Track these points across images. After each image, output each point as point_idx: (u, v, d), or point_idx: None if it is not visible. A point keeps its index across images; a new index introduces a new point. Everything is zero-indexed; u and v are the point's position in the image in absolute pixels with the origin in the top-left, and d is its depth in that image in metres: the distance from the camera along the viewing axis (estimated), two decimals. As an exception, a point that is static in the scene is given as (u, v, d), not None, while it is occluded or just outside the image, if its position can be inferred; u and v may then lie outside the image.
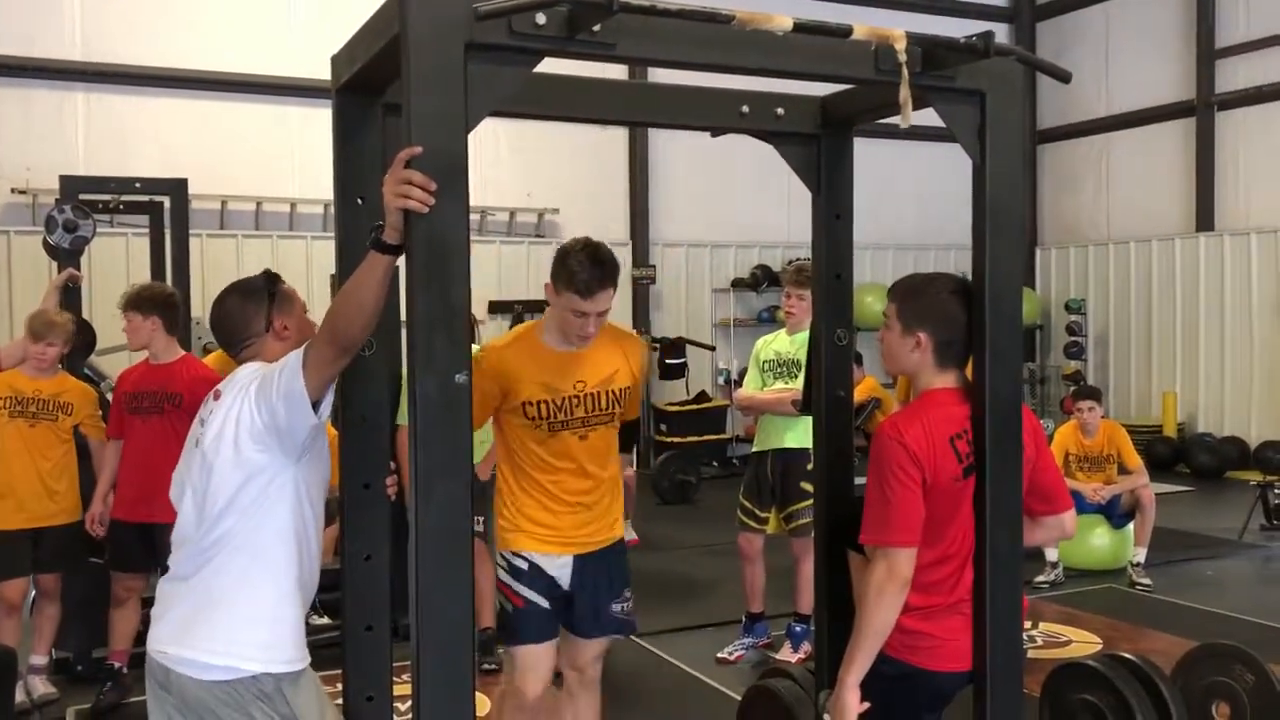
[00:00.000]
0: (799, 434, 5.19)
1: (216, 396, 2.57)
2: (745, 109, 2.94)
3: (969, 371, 2.67)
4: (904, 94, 2.29)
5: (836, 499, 3.14)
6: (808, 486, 5.08)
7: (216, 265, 10.11)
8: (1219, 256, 12.79)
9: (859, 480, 2.90)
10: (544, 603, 3.34)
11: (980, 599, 2.61)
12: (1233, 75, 12.81)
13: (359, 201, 2.63)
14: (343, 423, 2.66)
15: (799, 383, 5.10)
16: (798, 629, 5.26)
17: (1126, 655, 4.07)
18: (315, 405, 2.37)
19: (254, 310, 2.66)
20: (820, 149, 3.05)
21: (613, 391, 3.34)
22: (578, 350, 3.30)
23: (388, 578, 2.67)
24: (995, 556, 2.59)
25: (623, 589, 3.50)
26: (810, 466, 5.03)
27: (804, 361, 5.09)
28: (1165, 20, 13.39)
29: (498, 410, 3.34)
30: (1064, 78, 2.50)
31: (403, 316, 2.21)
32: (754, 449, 5.50)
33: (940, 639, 2.62)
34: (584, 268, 3.14)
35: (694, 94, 2.93)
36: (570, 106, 2.77)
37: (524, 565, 3.34)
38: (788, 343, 5.38)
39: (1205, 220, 12.98)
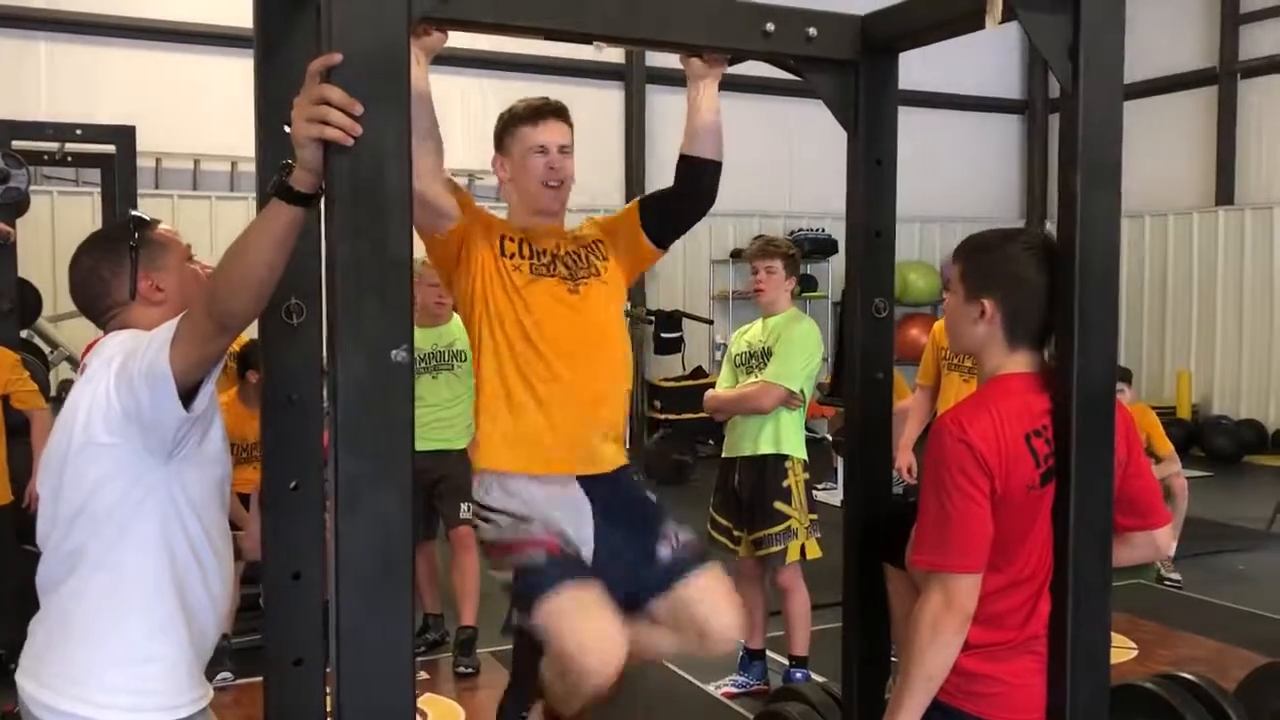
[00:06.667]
0: (772, 436, 4.47)
1: (82, 370, 2.05)
2: (770, 27, 2.39)
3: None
4: (993, -14, 1.77)
5: (870, 498, 2.64)
6: (782, 507, 4.43)
7: (190, 228, 9.50)
8: (1239, 231, 12.29)
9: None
10: (574, 550, 2.56)
11: (1059, 635, 2.11)
12: (1257, 42, 12.27)
13: (287, 129, 2.09)
14: (265, 405, 2.13)
15: (769, 373, 4.43)
16: (797, 675, 4.54)
17: (1187, 676, 3.60)
18: (191, 392, 1.85)
19: (112, 273, 2.11)
20: (859, 79, 2.52)
21: (591, 245, 2.83)
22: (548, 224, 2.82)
23: (320, 600, 2.16)
24: (1079, 582, 2.09)
25: (661, 524, 2.71)
26: (786, 482, 4.44)
27: (774, 351, 4.47)
28: (1188, -18, 12.84)
29: (469, 297, 2.68)
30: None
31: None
32: (724, 454, 4.66)
33: (1008, 684, 2.12)
34: (525, 104, 2.81)
35: (707, 6, 2.39)
36: (552, 16, 2.21)
37: (528, 516, 2.57)
38: (759, 330, 4.64)
39: (1225, 194, 12.49)
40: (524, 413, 2.64)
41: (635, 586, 2.58)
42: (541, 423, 2.64)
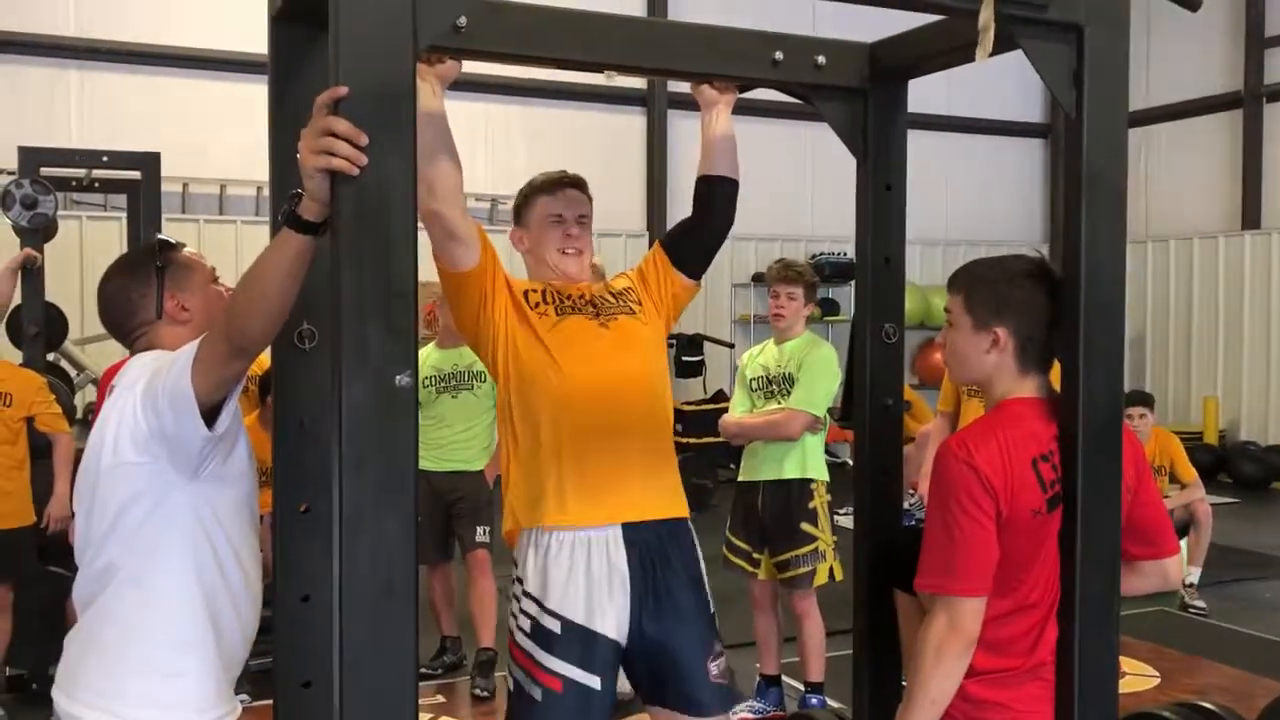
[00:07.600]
0: (798, 461, 4.48)
1: (110, 391, 2.11)
2: (779, 55, 2.42)
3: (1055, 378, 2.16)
4: (985, 16, 1.78)
5: (880, 524, 2.63)
6: (809, 529, 4.44)
7: (217, 252, 9.61)
8: (1265, 256, 12.18)
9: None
10: (593, 682, 2.44)
11: (1067, 661, 2.09)
12: (1284, 65, 12.23)
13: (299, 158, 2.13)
14: (276, 429, 2.16)
15: (794, 400, 4.44)
16: (813, 700, 4.53)
17: (1205, 704, 3.55)
18: (214, 412, 1.90)
19: (139, 294, 2.18)
20: (868, 106, 2.53)
21: (622, 292, 2.75)
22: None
23: (331, 623, 2.17)
24: (1087, 608, 2.07)
25: (711, 637, 2.62)
26: (811, 504, 4.46)
27: (796, 378, 4.46)
28: (1211, 5, 12.73)
29: (497, 364, 2.58)
30: (1192, 6, 1.98)
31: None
32: (741, 478, 4.65)
33: (1016, 711, 2.10)
34: (543, 176, 2.77)
35: (716, 35, 2.41)
36: (562, 46, 2.24)
37: (555, 627, 2.43)
38: (776, 355, 4.62)
39: (1252, 218, 12.39)
40: (554, 464, 2.51)
41: (655, 680, 2.55)
42: (575, 470, 2.51)
